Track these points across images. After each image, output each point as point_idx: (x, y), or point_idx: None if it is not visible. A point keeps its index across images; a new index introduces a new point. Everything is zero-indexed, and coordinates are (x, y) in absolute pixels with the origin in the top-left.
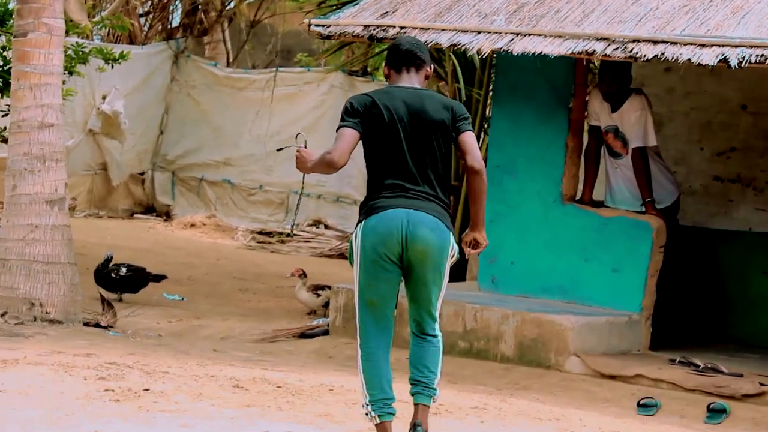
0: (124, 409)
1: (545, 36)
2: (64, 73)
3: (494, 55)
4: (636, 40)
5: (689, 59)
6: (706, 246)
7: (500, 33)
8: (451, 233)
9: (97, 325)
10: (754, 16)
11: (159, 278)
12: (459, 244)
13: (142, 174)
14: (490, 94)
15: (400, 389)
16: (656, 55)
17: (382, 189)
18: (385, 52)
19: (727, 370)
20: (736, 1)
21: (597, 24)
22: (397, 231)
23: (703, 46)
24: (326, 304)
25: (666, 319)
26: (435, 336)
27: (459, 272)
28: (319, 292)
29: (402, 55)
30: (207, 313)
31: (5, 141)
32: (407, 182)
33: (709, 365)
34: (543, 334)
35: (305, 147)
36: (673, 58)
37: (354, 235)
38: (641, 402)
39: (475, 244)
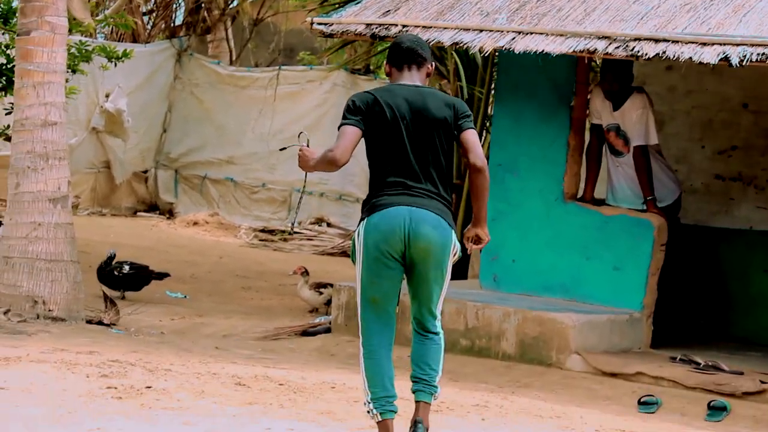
0: (127, 407)
1: (547, 34)
2: (68, 72)
3: (496, 54)
4: (637, 39)
5: (690, 58)
6: (707, 244)
7: (502, 31)
8: (453, 231)
9: (100, 323)
10: (755, 15)
11: (162, 276)
12: (461, 241)
13: (145, 172)
14: (492, 92)
15: (402, 387)
16: (657, 54)
17: (384, 187)
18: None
19: (727, 368)
20: (737, 0)
21: (598, 22)
22: (400, 228)
23: (704, 44)
24: (328, 302)
25: (667, 318)
26: (437, 333)
27: (461, 270)
28: (322, 290)
29: (403, 53)
30: (209, 310)
31: (8, 139)
32: (410, 180)
33: (709, 363)
34: (544, 332)
35: (307, 146)
36: (674, 56)
37: (356, 232)
38: (642, 400)
39: (477, 240)
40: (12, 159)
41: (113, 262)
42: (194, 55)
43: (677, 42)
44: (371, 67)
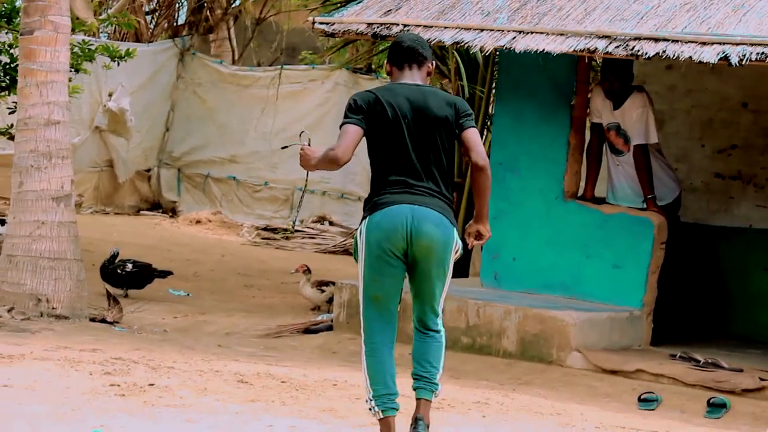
0: (130, 404)
1: (547, 34)
2: (71, 71)
3: (497, 53)
4: (637, 38)
5: (690, 57)
6: (707, 243)
7: (503, 31)
8: (455, 229)
9: (103, 321)
10: (754, 14)
11: (164, 274)
12: (462, 238)
13: (148, 171)
14: (493, 91)
15: (403, 384)
16: (657, 53)
17: (386, 185)
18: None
19: (727, 366)
20: (736, 0)
21: (599, 22)
22: (402, 227)
23: (704, 43)
24: (330, 300)
25: (667, 315)
26: (438, 331)
27: (462, 268)
28: (323, 288)
29: (404, 52)
30: (212, 308)
31: (12, 138)
32: (411, 178)
33: (709, 360)
34: (545, 329)
35: (309, 145)
36: (674, 55)
37: (358, 231)
38: (642, 397)
39: (479, 236)
40: (15, 158)
41: (116, 261)
42: (197, 55)
43: (677, 41)
44: (373, 67)
